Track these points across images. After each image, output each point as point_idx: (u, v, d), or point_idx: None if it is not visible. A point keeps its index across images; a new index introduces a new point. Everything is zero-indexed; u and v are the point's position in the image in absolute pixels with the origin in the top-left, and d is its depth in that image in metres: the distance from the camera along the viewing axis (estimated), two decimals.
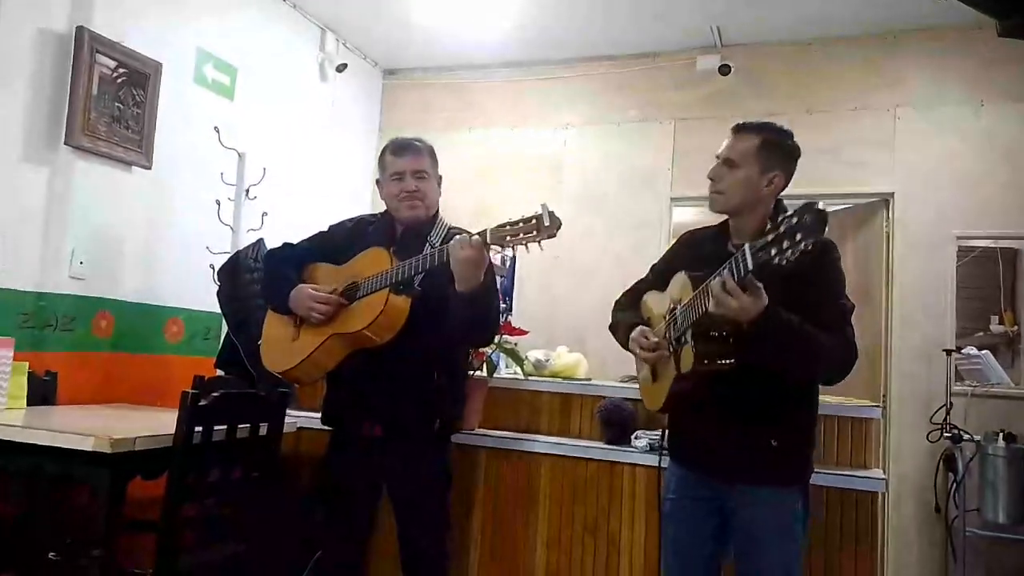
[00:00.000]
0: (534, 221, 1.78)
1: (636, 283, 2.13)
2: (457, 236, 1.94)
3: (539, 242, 1.78)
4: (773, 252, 1.46)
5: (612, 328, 2.09)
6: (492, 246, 1.87)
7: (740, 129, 1.88)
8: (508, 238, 1.81)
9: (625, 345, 1.98)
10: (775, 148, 1.86)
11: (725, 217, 1.94)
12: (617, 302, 2.14)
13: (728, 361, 1.69)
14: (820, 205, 1.45)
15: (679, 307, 1.78)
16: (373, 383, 2.11)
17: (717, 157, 1.89)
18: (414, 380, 2.11)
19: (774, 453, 1.77)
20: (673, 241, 2.17)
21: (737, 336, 1.67)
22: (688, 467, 1.92)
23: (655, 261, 2.13)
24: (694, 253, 1.96)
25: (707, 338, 1.68)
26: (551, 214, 1.76)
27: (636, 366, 2.04)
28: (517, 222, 1.81)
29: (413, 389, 2.11)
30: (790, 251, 1.43)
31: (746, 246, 1.52)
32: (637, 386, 2.10)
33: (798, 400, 1.83)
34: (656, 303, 1.96)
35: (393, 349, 2.06)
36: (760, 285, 1.58)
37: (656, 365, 1.90)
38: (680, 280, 1.82)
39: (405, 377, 2.10)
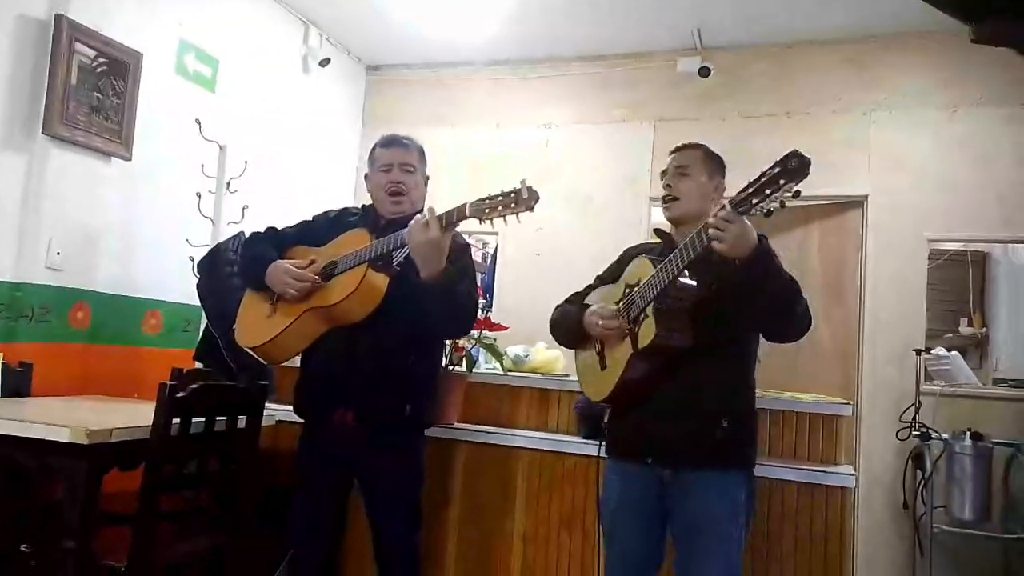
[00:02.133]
0: (513, 195, 1.85)
1: (577, 292, 2.19)
2: (416, 216, 1.96)
3: (517, 214, 1.85)
4: (755, 201, 1.53)
5: (553, 323, 2.14)
6: (472, 218, 1.90)
7: (683, 147, 2.06)
8: (487, 211, 1.86)
9: (570, 336, 2.06)
10: (715, 158, 2.04)
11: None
12: (558, 306, 2.18)
13: (686, 340, 1.77)
14: (804, 153, 1.49)
15: (637, 287, 1.84)
16: (347, 367, 2.12)
17: (664, 174, 2.03)
18: (388, 363, 2.11)
19: (724, 435, 1.84)
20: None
21: (694, 313, 1.77)
22: (632, 460, 1.94)
23: (599, 273, 2.19)
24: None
25: (668, 311, 1.76)
26: (529, 188, 1.84)
27: (576, 359, 2.09)
28: (496, 195, 1.87)
29: (387, 373, 2.12)
30: (773, 196, 1.50)
31: (725, 202, 1.60)
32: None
33: (743, 386, 1.94)
34: (607, 294, 2.01)
35: (368, 331, 2.07)
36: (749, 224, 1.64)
37: (605, 351, 1.94)
38: (639, 263, 1.90)
39: (379, 360, 2.11)
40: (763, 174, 1.52)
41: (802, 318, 1.81)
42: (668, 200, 2.00)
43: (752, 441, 1.94)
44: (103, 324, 3.10)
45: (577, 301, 2.14)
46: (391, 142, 2.29)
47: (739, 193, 1.57)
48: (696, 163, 2.00)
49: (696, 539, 1.85)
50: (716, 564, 1.82)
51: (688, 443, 1.84)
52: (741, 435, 1.88)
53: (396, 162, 2.23)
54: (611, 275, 2.12)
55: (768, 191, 1.50)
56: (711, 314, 1.79)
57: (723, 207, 1.61)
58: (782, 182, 1.48)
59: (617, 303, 1.92)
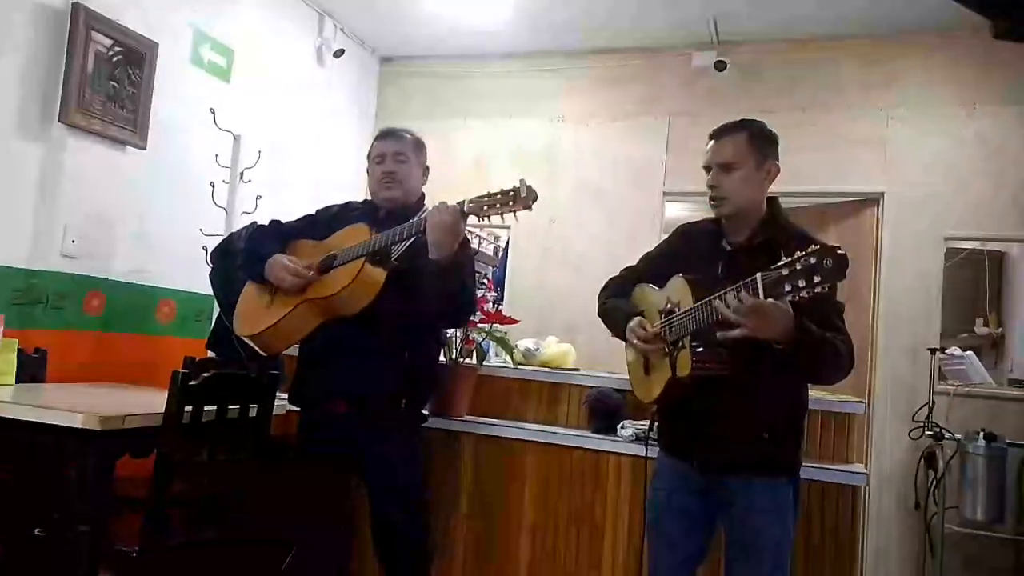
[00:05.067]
0: (511, 193, 1.86)
1: (624, 271, 2.15)
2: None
3: (514, 212, 1.86)
4: (787, 288, 1.46)
5: (603, 313, 2.09)
6: (470, 215, 1.93)
7: (723, 132, 1.90)
8: (485, 207, 1.89)
9: (617, 332, 2.00)
10: (762, 138, 1.88)
11: None
12: (605, 287, 2.15)
13: (723, 370, 1.72)
14: (842, 251, 1.42)
15: (678, 311, 1.80)
16: (342, 359, 2.14)
17: (707, 167, 1.90)
18: (383, 358, 2.13)
19: (765, 446, 1.81)
20: (667, 234, 2.19)
21: (734, 346, 1.68)
22: (681, 458, 1.94)
23: (649, 250, 2.15)
24: (690, 248, 1.99)
25: (706, 344, 1.71)
26: (528, 187, 1.85)
27: (627, 354, 2.06)
28: (495, 194, 1.89)
29: (381, 367, 2.13)
30: (805, 291, 1.43)
31: (758, 276, 1.52)
32: (625, 376, 2.13)
33: (787, 395, 1.87)
34: (652, 298, 1.96)
35: (364, 324, 2.08)
36: (788, 304, 1.56)
37: (650, 358, 1.92)
38: (678, 284, 1.83)
39: (374, 354, 2.13)
40: (795, 260, 1.43)
41: (840, 375, 1.79)
42: (715, 200, 1.86)
43: (795, 448, 1.89)
44: (117, 312, 3.12)
45: (620, 293, 2.08)
46: (384, 135, 2.35)
47: (767, 275, 1.48)
48: (741, 152, 1.84)
49: (745, 543, 1.85)
50: (764, 568, 1.82)
51: (728, 453, 1.82)
52: (783, 444, 1.85)
53: (389, 152, 2.29)
54: (664, 256, 2.05)
55: (801, 283, 1.42)
56: (751, 345, 1.67)
57: (740, 288, 1.54)
58: (816, 279, 1.41)
59: (661, 312, 1.88)
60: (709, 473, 1.87)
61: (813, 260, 1.42)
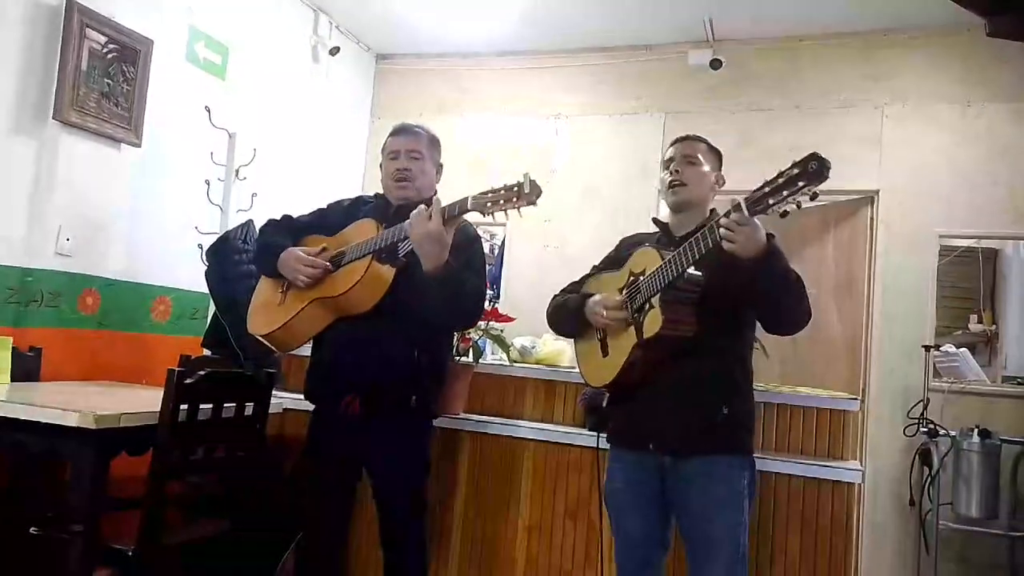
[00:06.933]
0: (516, 188, 1.85)
1: (574, 282, 2.20)
2: (415, 211, 1.95)
3: (518, 208, 1.85)
4: (771, 201, 1.53)
5: (552, 312, 2.15)
6: (474, 212, 1.91)
7: (686, 138, 2.10)
8: (489, 204, 1.86)
9: (571, 325, 2.06)
10: (716, 152, 2.09)
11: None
12: (555, 296, 2.20)
13: (689, 331, 1.79)
14: (823, 155, 1.50)
15: (643, 277, 1.85)
16: (353, 357, 2.13)
17: (669, 160, 2.06)
18: (394, 356, 2.12)
19: (723, 421, 1.86)
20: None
21: (700, 304, 1.78)
22: (635, 449, 1.95)
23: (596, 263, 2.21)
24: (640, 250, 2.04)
25: (675, 302, 1.77)
26: (532, 182, 1.84)
27: (576, 345, 2.10)
28: (499, 189, 1.87)
29: (392, 365, 2.12)
30: (791, 198, 1.51)
31: (740, 200, 1.60)
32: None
33: (741, 374, 1.95)
34: (608, 280, 2.02)
35: (374, 322, 2.08)
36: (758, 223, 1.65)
37: (608, 338, 1.95)
38: (645, 252, 1.90)
39: (385, 352, 2.12)
40: (781, 174, 1.52)
41: (802, 314, 1.86)
42: (675, 185, 2.02)
43: (750, 428, 1.96)
44: (112, 310, 3.11)
45: (575, 291, 2.15)
46: (400, 130, 2.32)
47: (755, 192, 1.57)
48: (703, 153, 2.05)
49: (703, 527, 1.87)
50: (725, 550, 1.84)
51: (688, 430, 1.86)
52: (740, 422, 1.91)
53: (403, 149, 2.26)
54: (609, 264, 2.13)
55: (785, 192, 1.51)
56: (714, 305, 1.81)
57: (737, 206, 1.62)
58: (800, 184, 1.49)
59: (621, 290, 1.93)
60: (665, 456, 1.88)
61: (796, 170, 1.50)
